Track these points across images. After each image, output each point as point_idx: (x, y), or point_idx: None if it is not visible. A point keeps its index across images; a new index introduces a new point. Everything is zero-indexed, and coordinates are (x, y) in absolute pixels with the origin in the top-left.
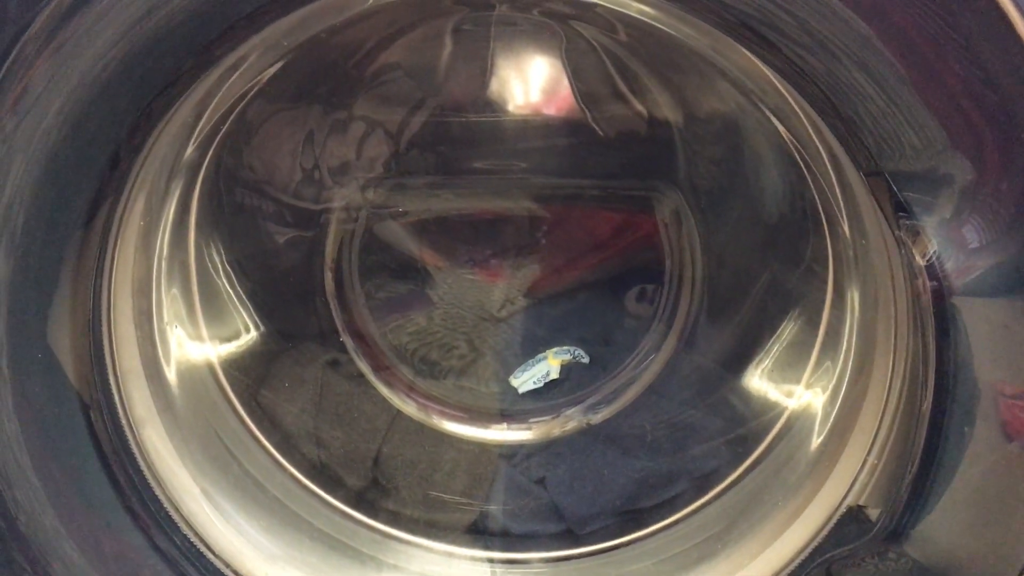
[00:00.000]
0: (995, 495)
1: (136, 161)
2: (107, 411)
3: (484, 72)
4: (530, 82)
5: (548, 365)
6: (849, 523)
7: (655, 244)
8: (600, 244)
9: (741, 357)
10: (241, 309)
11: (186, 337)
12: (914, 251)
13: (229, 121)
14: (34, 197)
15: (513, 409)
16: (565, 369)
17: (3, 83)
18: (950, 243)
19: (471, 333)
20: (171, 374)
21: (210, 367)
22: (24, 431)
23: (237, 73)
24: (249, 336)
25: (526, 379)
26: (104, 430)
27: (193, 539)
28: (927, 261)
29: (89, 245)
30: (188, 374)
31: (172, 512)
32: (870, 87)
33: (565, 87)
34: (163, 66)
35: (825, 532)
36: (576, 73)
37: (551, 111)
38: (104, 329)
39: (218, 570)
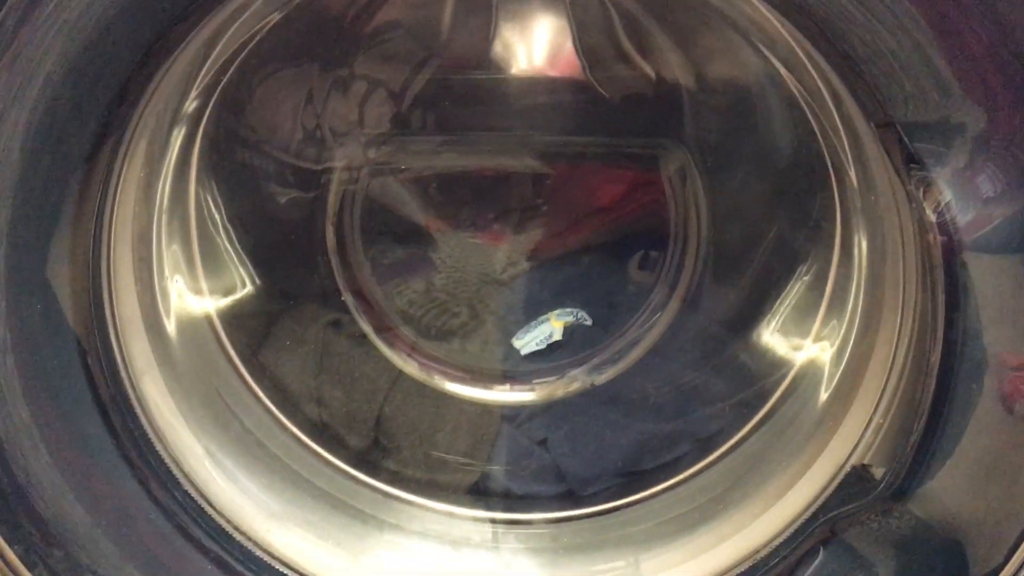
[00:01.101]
0: (999, 455)
1: (139, 103)
2: (105, 359)
3: (488, 29)
4: (535, 39)
5: (551, 327)
6: (854, 482)
7: (660, 203)
8: (604, 204)
9: (746, 317)
10: (240, 265)
11: (186, 290)
12: (925, 205)
13: (230, 72)
14: (37, 130)
15: (516, 370)
16: (568, 331)
17: (4, 17)
18: (964, 193)
19: (474, 295)
20: (171, 327)
21: (210, 323)
22: (21, 374)
23: (240, 20)
24: (248, 291)
25: (528, 341)
26: (102, 378)
27: (194, 495)
28: (938, 215)
29: (91, 186)
30: (188, 328)
31: (172, 467)
32: (882, 33)
33: (570, 43)
34: (168, 6)
35: (829, 491)
36: (582, 29)
37: (556, 69)
38: (104, 275)
39: (219, 526)
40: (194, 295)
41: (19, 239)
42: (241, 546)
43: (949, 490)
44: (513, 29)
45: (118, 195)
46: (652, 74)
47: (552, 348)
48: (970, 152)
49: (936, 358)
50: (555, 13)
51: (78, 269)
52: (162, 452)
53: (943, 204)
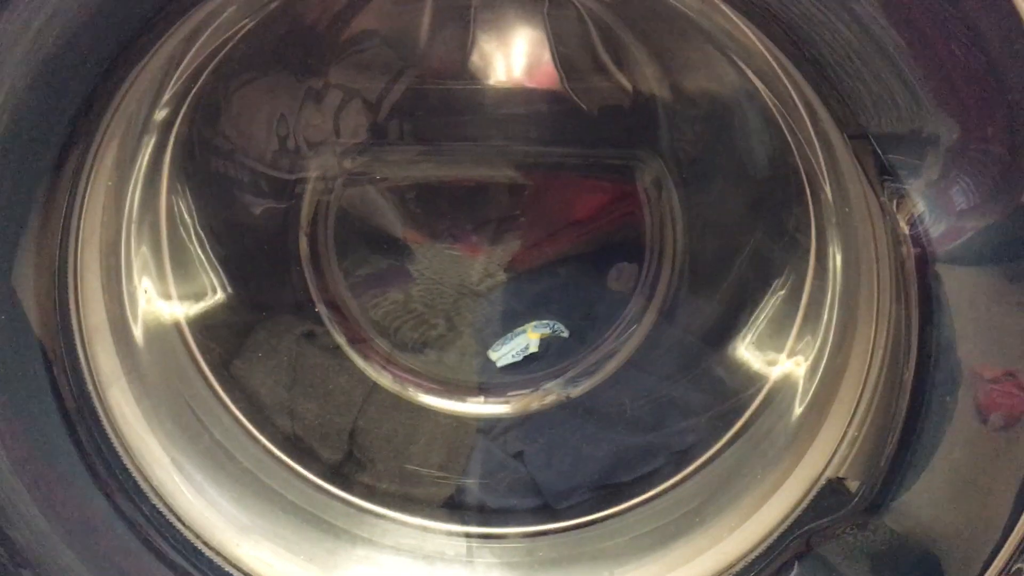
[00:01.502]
0: (974, 468)
1: (107, 110)
2: (71, 369)
3: (466, 39)
4: (513, 50)
5: (527, 339)
6: (829, 495)
7: (636, 215)
8: (581, 216)
9: (722, 329)
10: (213, 276)
11: (155, 294)
12: (898, 217)
13: (201, 80)
14: (4, 137)
15: (491, 382)
16: (544, 343)
17: None
18: (937, 205)
19: (450, 307)
20: (139, 335)
21: (180, 332)
22: None
23: (211, 27)
24: (219, 299)
25: (505, 353)
26: (68, 388)
27: (162, 508)
28: (911, 227)
29: (58, 193)
30: (156, 336)
31: (140, 480)
32: (854, 45)
33: (548, 55)
34: (137, 11)
35: (804, 504)
36: (559, 40)
37: (533, 80)
38: (70, 283)
39: (187, 541)
40: (163, 300)
41: None
42: (210, 561)
43: (924, 503)
44: (490, 40)
45: (86, 202)
46: (629, 86)
47: (528, 360)
48: (943, 164)
49: (910, 371)
50: (532, 24)
51: (44, 277)
52: (129, 464)
53: (916, 216)
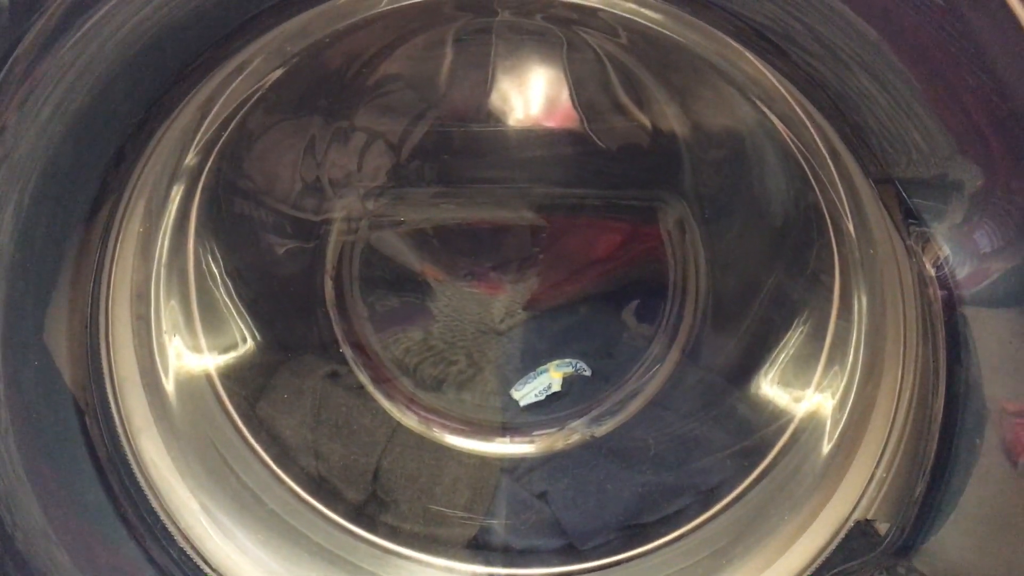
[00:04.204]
0: (1004, 510)
1: (138, 161)
2: (103, 418)
3: (486, 82)
4: (532, 92)
5: (550, 378)
6: (857, 537)
7: (659, 254)
8: (603, 255)
9: (746, 368)
10: (239, 319)
11: (184, 347)
12: (924, 259)
13: (231, 127)
14: (36, 192)
15: (515, 422)
16: (567, 382)
17: (6, 79)
18: (961, 249)
19: (472, 346)
20: (169, 384)
21: (208, 378)
22: (17, 434)
23: (240, 77)
24: (247, 347)
25: (527, 392)
26: (100, 437)
27: (190, 552)
28: (937, 269)
29: (89, 245)
30: (186, 384)
31: (169, 525)
32: (879, 93)
33: (567, 97)
34: (167, 66)
35: (833, 547)
36: (579, 82)
37: (553, 122)
38: (101, 334)
39: None
40: (193, 352)
41: (15, 303)
42: None
43: (954, 546)
44: (510, 82)
45: (116, 253)
46: (649, 126)
47: (551, 399)
48: (967, 209)
49: (939, 411)
50: (552, 66)
51: (75, 329)
52: (158, 509)
53: (942, 259)
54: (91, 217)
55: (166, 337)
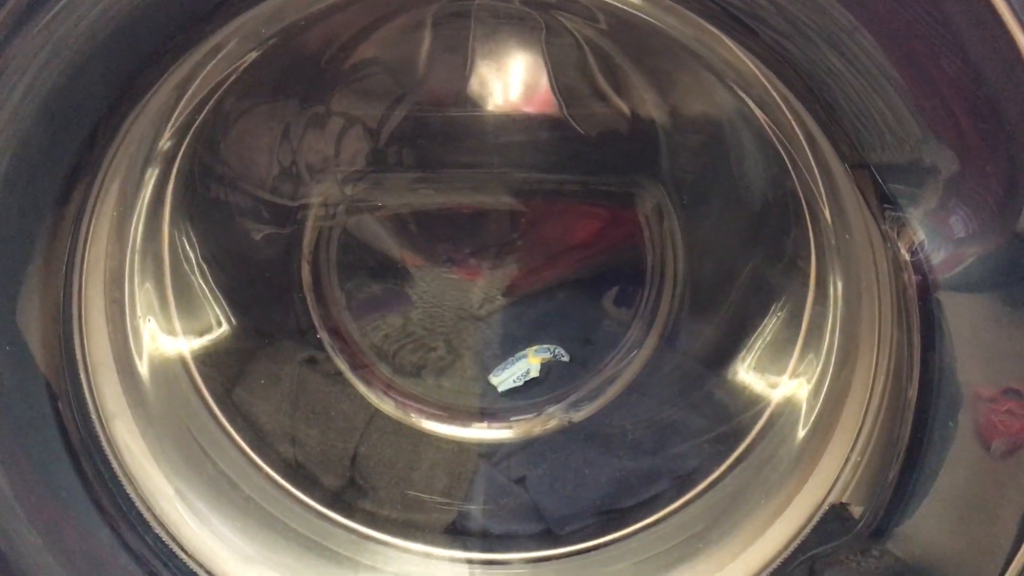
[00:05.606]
0: (977, 493)
1: (112, 144)
2: (76, 403)
3: (464, 67)
4: (511, 77)
5: (528, 363)
6: (832, 521)
7: (636, 240)
8: (581, 241)
9: (723, 353)
10: (215, 304)
11: (159, 331)
12: (899, 244)
13: (206, 111)
14: (8, 175)
15: (493, 407)
16: (545, 367)
17: None
18: (936, 234)
19: (450, 332)
20: (143, 368)
21: (183, 363)
22: None
23: (215, 60)
24: (223, 332)
25: (506, 377)
26: (73, 422)
27: (165, 539)
28: (912, 254)
29: (62, 228)
30: (160, 369)
31: (144, 511)
32: (853, 77)
33: (546, 82)
34: (140, 47)
35: (808, 530)
36: (557, 67)
37: (532, 107)
38: (75, 318)
39: (191, 571)
40: (167, 335)
41: None
42: None
43: (928, 529)
44: (489, 67)
45: (90, 236)
46: (628, 112)
47: (529, 385)
48: (942, 193)
49: (913, 395)
50: (531, 52)
51: (48, 312)
52: (133, 496)
53: (917, 244)
54: (64, 200)
55: (140, 321)
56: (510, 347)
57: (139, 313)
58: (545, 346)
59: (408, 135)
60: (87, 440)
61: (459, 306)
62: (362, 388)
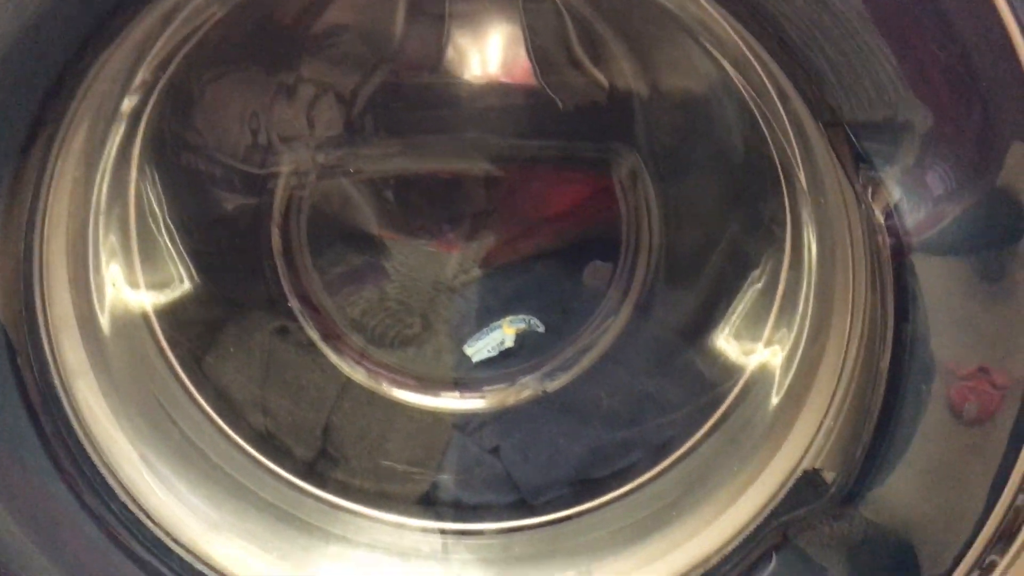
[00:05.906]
0: (947, 460)
1: (76, 94)
2: (35, 358)
3: (440, 33)
4: (488, 44)
5: (503, 334)
6: (805, 487)
7: (612, 209)
8: (556, 210)
9: (699, 322)
10: (182, 267)
11: (123, 282)
12: (874, 205)
13: (169, 70)
14: None
15: (467, 377)
16: (520, 338)
17: None
18: (913, 192)
19: (425, 303)
20: (106, 327)
21: (149, 325)
22: None
23: (181, 15)
24: (191, 296)
25: (480, 348)
26: (32, 378)
27: (130, 505)
28: (887, 216)
29: (24, 178)
30: (125, 330)
31: (107, 475)
32: (826, 29)
33: (523, 48)
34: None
35: (781, 496)
36: (535, 33)
37: (509, 74)
38: (36, 271)
39: (156, 538)
40: (131, 288)
41: None
42: (180, 558)
43: (899, 494)
44: (466, 34)
45: (52, 190)
46: (604, 79)
47: (504, 355)
48: (919, 150)
49: (885, 363)
50: (508, 18)
51: (9, 265)
52: (96, 459)
53: (892, 205)
54: (26, 149)
55: (103, 272)
56: (485, 318)
57: (103, 268)
58: (520, 316)
59: (382, 102)
60: (47, 399)
61: (434, 277)
62: (334, 358)
